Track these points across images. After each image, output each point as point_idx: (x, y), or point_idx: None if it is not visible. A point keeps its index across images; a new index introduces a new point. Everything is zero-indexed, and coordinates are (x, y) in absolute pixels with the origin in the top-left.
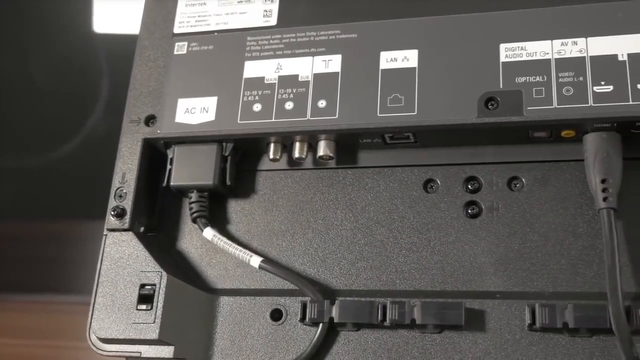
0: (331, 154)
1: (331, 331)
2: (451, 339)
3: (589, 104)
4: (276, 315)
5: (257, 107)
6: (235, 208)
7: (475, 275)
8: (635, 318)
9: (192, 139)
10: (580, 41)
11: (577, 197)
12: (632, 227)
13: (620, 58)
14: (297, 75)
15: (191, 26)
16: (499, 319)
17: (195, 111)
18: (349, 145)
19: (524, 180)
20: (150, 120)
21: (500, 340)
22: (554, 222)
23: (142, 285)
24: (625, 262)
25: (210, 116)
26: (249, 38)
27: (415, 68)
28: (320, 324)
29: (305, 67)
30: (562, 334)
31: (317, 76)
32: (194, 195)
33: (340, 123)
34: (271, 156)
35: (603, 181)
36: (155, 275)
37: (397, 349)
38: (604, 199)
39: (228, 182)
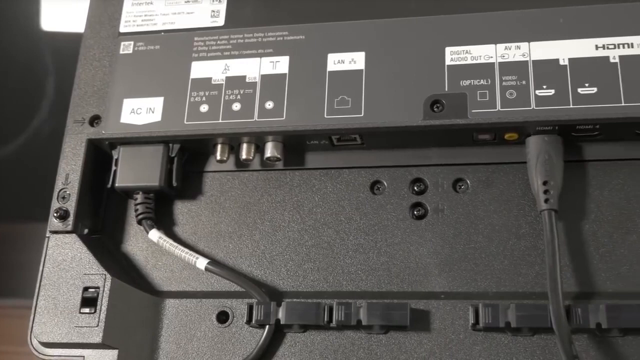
0: (278, 156)
1: (278, 333)
2: (397, 340)
3: (532, 107)
4: (222, 317)
5: (204, 108)
6: (182, 210)
7: (420, 276)
8: (575, 317)
9: (138, 139)
10: (523, 45)
11: (520, 199)
12: (572, 228)
13: (561, 62)
14: (244, 77)
15: (137, 25)
16: (444, 319)
17: (141, 111)
18: (296, 147)
19: (468, 182)
20: (94, 120)
21: (445, 340)
22: (497, 223)
23: (86, 288)
24: (566, 263)
25: (157, 117)
26: (196, 38)
27: (362, 70)
28: (267, 326)
29: (252, 68)
30: (504, 333)
31: (264, 77)
32: (139, 197)
33: (287, 124)
34: (218, 157)
35: (545, 183)
36: (99, 278)
37: (343, 350)
38: (546, 201)
39: (174, 184)
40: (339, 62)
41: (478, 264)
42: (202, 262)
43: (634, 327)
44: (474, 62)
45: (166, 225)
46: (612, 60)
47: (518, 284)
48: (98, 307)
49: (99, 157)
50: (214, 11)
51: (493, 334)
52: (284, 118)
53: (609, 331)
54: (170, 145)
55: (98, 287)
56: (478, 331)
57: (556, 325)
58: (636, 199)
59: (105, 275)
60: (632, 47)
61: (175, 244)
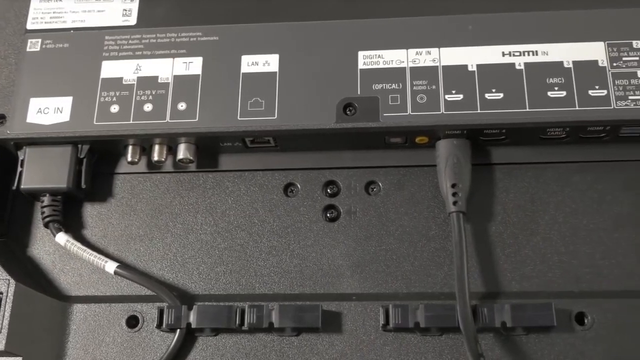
0: (191, 157)
1: (189, 337)
2: (308, 341)
3: (441, 112)
4: (132, 322)
5: (114, 109)
6: (91, 212)
7: (332, 277)
8: (482, 316)
9: (45, 140)
10: (434, 51)
11: (430, 201)
12: (480, 229)
13: (470, 68)
14: (156, 77)
15: (46, 22)
16: (355, 320)
17: (49, 111)
18: (209, 149)
19: (380, 184)
20: None
21: (356, 341)
22: (408, 225)
23: None
24: (474, 264)
25: (65, 117)
26: (107, 37)
27: (276, 72)
28: (178, 330)
29: (165, 68)
30: (414, 334)
31: (177, 78)
32: (46, 199)
33: (200, 126)
34: (129, 159)
35: (453, 186)
36: (2, 283)
37: (255, 352)
38: (454, 203)
39: (83, 185)
40: (252, 63)
41: (389, 265)
42: (111, 266)
43: (537, 326)
44: (386, 66)
45: (74, 228)
46: (517, 67)
47: (427, 285)
48: (1, 313)
49: (4, 157)
50: (125, 10)
51: (403, 334)
52: (196, 119)
53: (514, 330)
54: (79, 146)
55: (1, 293)
56: (388, 332)
57: (463, 324)
58: (540, 201)
59: (8, 280)
60: (537, 54)
61: (84, 247)
